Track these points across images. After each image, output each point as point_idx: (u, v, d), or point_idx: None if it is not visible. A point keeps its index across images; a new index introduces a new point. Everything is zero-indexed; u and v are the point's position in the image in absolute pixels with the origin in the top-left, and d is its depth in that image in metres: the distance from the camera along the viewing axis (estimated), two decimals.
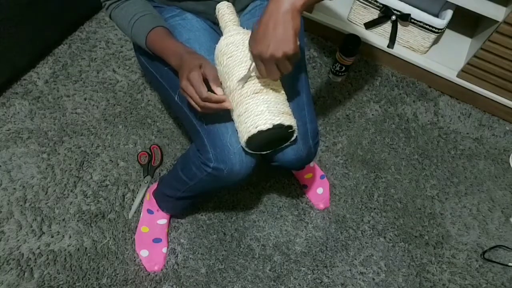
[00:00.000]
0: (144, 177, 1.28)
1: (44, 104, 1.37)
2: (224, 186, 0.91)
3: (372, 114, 1.49)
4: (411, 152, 1.43)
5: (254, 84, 0.78)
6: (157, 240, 1.17)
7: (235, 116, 0.81)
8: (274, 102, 0.77)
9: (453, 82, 1.51)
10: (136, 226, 1.20)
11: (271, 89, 0.79)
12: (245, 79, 0.77)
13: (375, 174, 1.37)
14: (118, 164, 1.30)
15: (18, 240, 1.15)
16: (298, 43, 0.69)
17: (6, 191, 1.21)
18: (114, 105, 1.40)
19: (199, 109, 0.77)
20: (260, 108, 0.76)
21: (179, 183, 0.99)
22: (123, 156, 1.31)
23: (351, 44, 1.43)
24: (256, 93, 0.77)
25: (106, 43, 1.52)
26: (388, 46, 1.53)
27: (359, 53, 1.60)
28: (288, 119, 0.78)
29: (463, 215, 1.33)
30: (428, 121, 1.50)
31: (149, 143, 1.34)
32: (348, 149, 1.41)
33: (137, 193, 1.25)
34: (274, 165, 0.94)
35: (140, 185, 1.27)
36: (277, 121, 0.76)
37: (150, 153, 1.31)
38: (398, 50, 1.53)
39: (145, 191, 1.25)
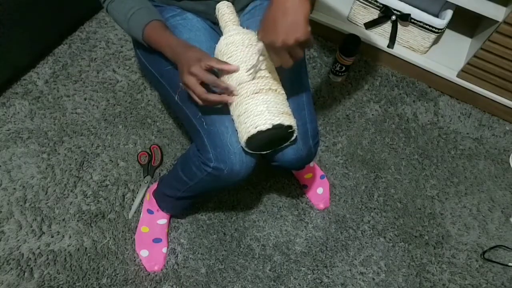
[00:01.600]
0: (144, 177, 1.28)
1: (44, 104, 1.37)
2: (224, 186, 0.91)
3: (372, 114, 1.49)
4: (411, 152, 1.43)
5: (254, 84, 0.78)
6: (157, 240, 1.17)
7: (235, 116, 0.81)
8: (273, 102, 0.77)
9: (453, 82, 1.51)
10: (136, 226, 1.20)
11: (270, 89, 0.79)
12: (255, 71, 0.77)
13: (375, 174, 1.37)
14: (118, 164, 1.30)
15: (18, 240, 1.15)
16: (309, 28, 0.68)
17: (6, 191, 1.21)
18: (114, 105, 1.40)
19: (200, 102, 0.78)
20: (259, 108, 0.76)
21: (179, 183, 0.99)
22: (123, 156, 1.31)
23: (351, 44, 1.43)
24: (255, 93, 0.77)
25: (106, 43, 1.52)
26: (388, 46, 1.53)
27: (359, 53, 1.60)
28: (288, 119, 0.78)
29: (463, 215, 1.33)
30: (428, 121, 1.50)
31: (149, 143, 1.34)
32: (348, 149, 1.41)
33: (137, 193, 1.25)
34: (274, 165, 0.94)
35: (140, 185, 1.27)
36: (276, 121, 0.76)
37: (150, 153, 1.31)
38: (398, 50, 1.53)
39: (145, 191, 1.25)
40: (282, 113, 0.78)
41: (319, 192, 1.29)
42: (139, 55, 0.99)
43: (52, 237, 1.17)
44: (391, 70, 1.60)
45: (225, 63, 0.78)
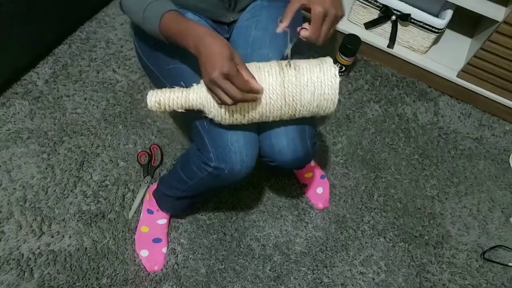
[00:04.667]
0: (144, 177, 1.28)
1: (44, 104, 1.37)
2: (225, 185, 0.91)
3: (372, 114, 1.49)
4: (411, 152, 1.43)
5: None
6: (157, 240, 1.17)
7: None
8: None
9: (453, 82, 1.51)
10: (136, 226, 1.20)
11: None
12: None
13: (375, 174, 1.37)
14: (118, 164, 1.30)
15: (18, 240, 1.15)
16: None
17: (6, 191, 1.21)
18: (114, 105, 1.40)
19: (230, 102, 0.73)
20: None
21: (179, 183, 0.99)
22: (123, 156, 1.31)
23: (351, 44, 1.43)
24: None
25: (106, 43, 1.52)
26: (388, 46, 1.53)
27: (359, 53, 1.60)
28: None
29: (463, 215, 1.33)
30: (428, 121, 1.50)
31: (149, 143, 1.34)
32: (348, 149, 1.41)
33: (137, 193, 1.25)
34: (273, 166, 0.94)
35: (140, 185, 1.27)
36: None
37: (150, 153, 1.31)
38: (398, 50, 1.53)
39: (145, 191, 1.25)
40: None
41: (319, 192, 1.29)
42: (140, 54, 0.99)
43: (52, 237, 1.17)
44: (391, 70, 1.60)
45: (254, 79, 0.74)
